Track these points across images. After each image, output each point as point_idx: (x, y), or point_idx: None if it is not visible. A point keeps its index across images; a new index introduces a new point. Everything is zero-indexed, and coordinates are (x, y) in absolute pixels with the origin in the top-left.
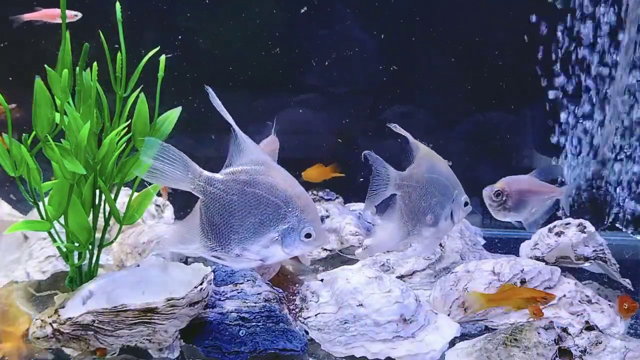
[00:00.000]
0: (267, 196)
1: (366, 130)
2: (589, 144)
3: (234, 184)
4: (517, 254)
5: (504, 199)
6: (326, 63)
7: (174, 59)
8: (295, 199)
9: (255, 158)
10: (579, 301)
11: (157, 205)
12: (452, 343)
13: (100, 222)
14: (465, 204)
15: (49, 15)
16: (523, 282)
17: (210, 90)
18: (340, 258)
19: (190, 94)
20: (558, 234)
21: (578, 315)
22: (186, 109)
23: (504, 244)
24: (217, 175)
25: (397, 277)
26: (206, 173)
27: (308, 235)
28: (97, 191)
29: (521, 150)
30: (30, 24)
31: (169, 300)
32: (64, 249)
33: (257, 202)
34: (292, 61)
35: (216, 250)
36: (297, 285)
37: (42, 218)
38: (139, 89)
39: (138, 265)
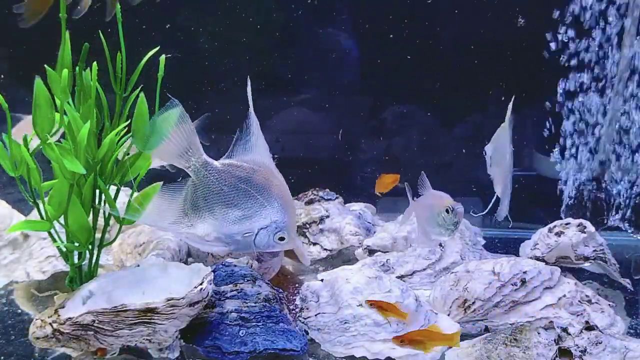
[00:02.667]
0: (256, 195)
1: (366, 130)
2: (589, 144)
3: (229, 177)
4: (517, 254)
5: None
6: (325, 63)
7: (175, 59)
8: (280, 203)
9: (258, 160)
10: (579, 301)
11: None
12: None
13: (100, 222)
14: None
15: None
16: (523, 282)
17: (248, 82)
18: (340, 258)
19: (191, 93)
20: (558, 234)
21: (578, 315)
22: (186, 109)
23: (504, 244)
24: (215, 163)
25: (397, 277)
26: (205, 157)
27: (282, 239)
28: (97, 191)
29: (521, 150)
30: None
31: (169, 300)
32: (64, 249)
33: (246, 198)
34: (292, 61)
35: (189, 228)
36: (297, 285)
37: (42, 218)
38: (139, 89)
39: (138, 265)
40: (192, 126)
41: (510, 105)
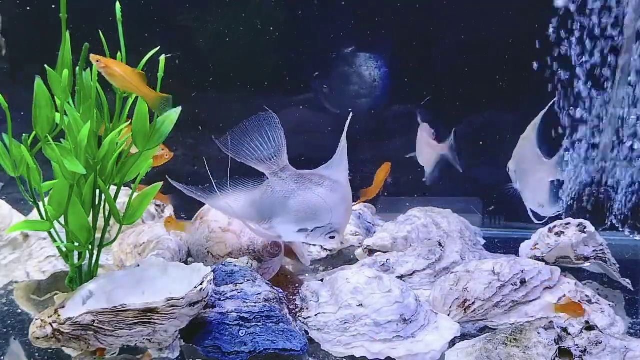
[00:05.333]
0: (322, 202)
1: (366, 129)
2: (589, 144)
3: (304, 180)
4: (517, 254)
5: None
6: (326, 63)
7: (175, 59)
8: (340, 212)
9: (335, 175)
10: (579, 301)
11: (157, 205)
12: (452, 343)
13: (100, 222)
14: None
15: None
16: (523, 282)
17: (350, 115)
18: (340, 258)
19: (191, 93)
20: (558, 234)
21: None
22: (186, 109)
23: (504, 244)
24: (294, 170)
25: (397, 277)
26: (287, 162)
27: (332, 237)
28: (97, 191)
29: None
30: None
31: (169, 300)
32: (64, 249)
33: (314, 202)
34: (292, 61)
35: (252, 219)
36: (297, 285)
37: (42, 218)
38: None
39: (138, 265)
40: (283, 135)
41: (541, 113)
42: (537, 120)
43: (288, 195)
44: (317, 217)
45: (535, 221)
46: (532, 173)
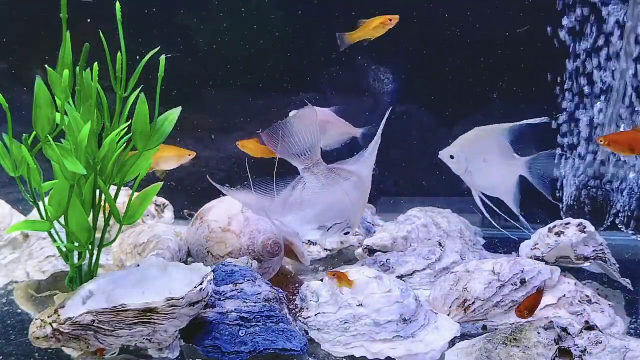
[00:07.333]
0: (345, 198)
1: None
2: (589, 143)
3: (334, 175)
4: (517, 254)
5: None
6: (326, 62)
7: (175, 59)
8: (357, 208)
9: (360, 170)
10: (579, 301)
11: (157, 205)
12: (452, 343)
13: (101, 222)
14: None
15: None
16: (523, 282)
17: (389, 110)
18: (340, 258)
19: (191, 93)
20: (558, 234)
21: (578, 315)
22: (186, 109)
23: (504, 244)
24: (325, 165)
25: (397, 277)
26: (320, 157)
27: (346, 233)
28: (98, 191)
29: (521, 149)
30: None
31: (169, 300)
32: (64, 249)
33: (340, 198)
34: (292, 61)
35: (281, 215)
36: (297, 285)
37: (42, 218)
38: (139, 89)
39: (138, 265)
40: (318, 131)
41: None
42: (516, 124)
43: (318, 190)
44: (339, 213)
45: (485, 214)
46: (496, 166)
